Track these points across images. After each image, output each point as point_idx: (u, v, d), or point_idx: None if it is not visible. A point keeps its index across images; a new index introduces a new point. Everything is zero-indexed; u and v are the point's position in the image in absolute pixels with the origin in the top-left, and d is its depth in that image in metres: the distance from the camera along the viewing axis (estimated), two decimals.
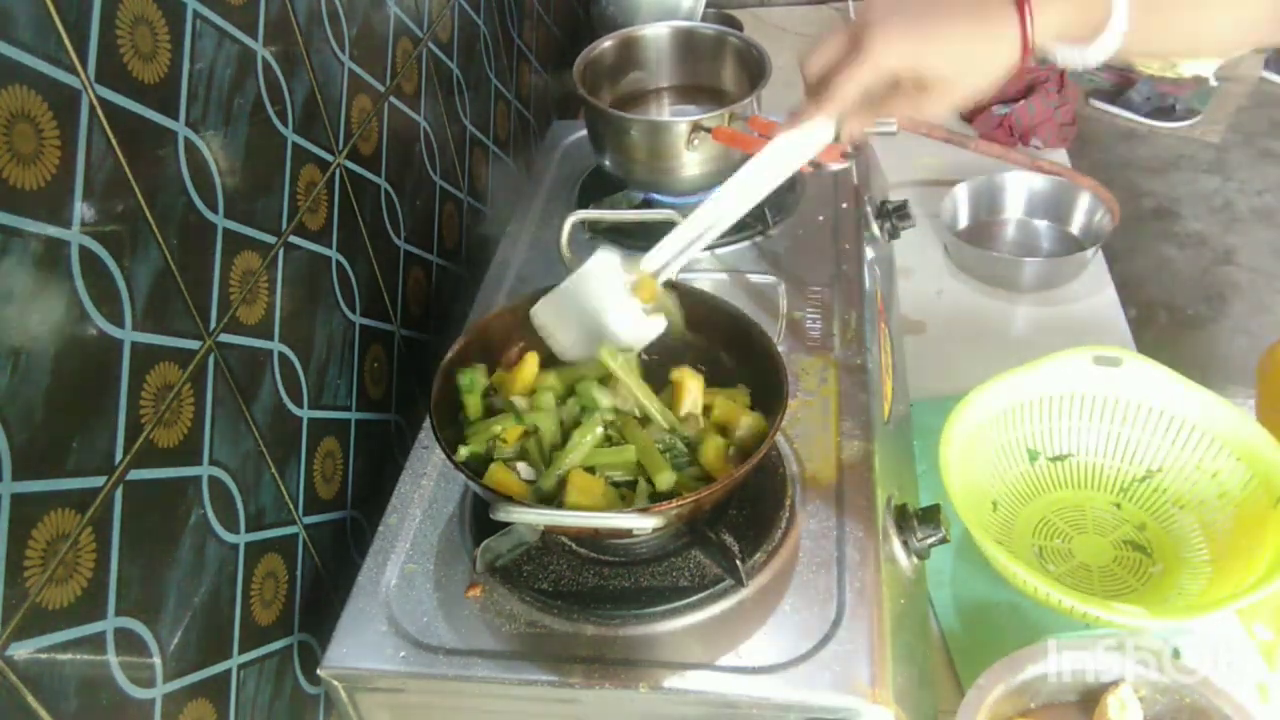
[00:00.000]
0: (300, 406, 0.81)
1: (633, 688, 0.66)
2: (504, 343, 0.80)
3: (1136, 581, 0.92)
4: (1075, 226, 1.36)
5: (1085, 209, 1.35)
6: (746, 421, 0.73)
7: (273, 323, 0.77)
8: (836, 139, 0.71)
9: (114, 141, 0.58)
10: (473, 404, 0.75)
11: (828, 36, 0.67)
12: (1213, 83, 2.41)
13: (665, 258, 0.77)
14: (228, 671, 0.71)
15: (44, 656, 0.53)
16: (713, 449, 0.72)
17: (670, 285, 0.79)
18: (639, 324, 0.77)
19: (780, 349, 0.76)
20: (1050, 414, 0.99)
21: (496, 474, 0.70)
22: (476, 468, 0.71)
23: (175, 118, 0.64)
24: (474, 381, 0.75)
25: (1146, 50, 0.69)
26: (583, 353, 0.78)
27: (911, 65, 0.63)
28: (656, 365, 0.78)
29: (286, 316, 0.78)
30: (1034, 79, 1.59)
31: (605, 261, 0.77)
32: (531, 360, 0.77)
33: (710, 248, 0.82)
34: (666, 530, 0.71)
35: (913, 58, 0.63)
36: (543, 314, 0.79)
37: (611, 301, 0.76)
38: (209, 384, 0.68)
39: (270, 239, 0.76)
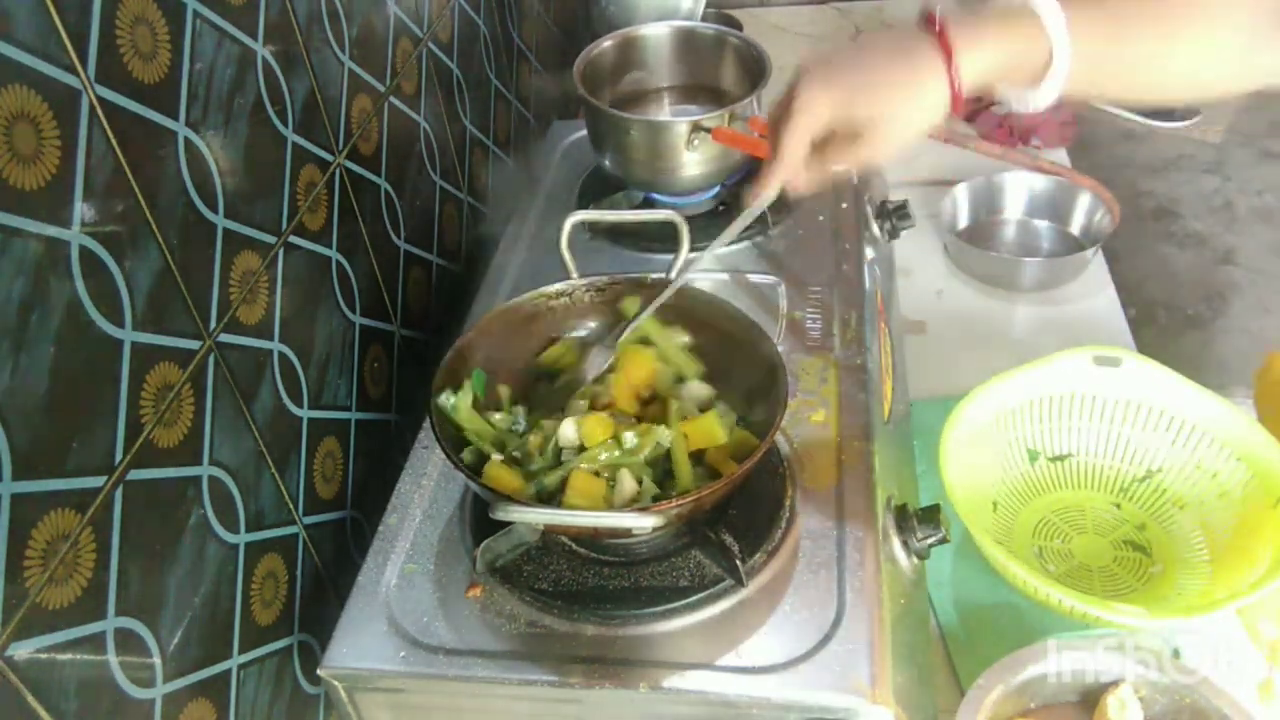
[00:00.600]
0: (300, 406, 0.81)
1: (633, 688, 0.66)
2: (504, 343, 0.80)
3: (1136, 581, 0.92)
4: (1075, 226, 1.36)
5: (1085, 209, 1.34)
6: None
7: (273, 323, 0.77)
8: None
9: (114, 141, 0.58)
10: (465, 418, 0.74)
11: (780, 93, 0.68)
12: None
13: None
14: (228, 671, 0.71)
15: (44, 656, 0.53)
16: (713, 449, 0.72)
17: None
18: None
19: (780, 349, 0.76)
20: (1050, 414, 0.99)
21: (496, 473, 0.70)
22: (476, 467, 0.71)
23: (175, 118, 0.64)
24: (459, 404, 0.74)
25: (1106, 94, 0.70)
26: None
27: (842, 114, 0.64)
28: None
29: (286, 316, 0.78)
30: None
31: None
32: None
33: (710, 248, 0.82)
34: (666, 530, 0.71)
35: (843, 106, 0.64)
36: None
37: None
38: (209, 384, 0.68)
39: (270, 239, 0.76)
